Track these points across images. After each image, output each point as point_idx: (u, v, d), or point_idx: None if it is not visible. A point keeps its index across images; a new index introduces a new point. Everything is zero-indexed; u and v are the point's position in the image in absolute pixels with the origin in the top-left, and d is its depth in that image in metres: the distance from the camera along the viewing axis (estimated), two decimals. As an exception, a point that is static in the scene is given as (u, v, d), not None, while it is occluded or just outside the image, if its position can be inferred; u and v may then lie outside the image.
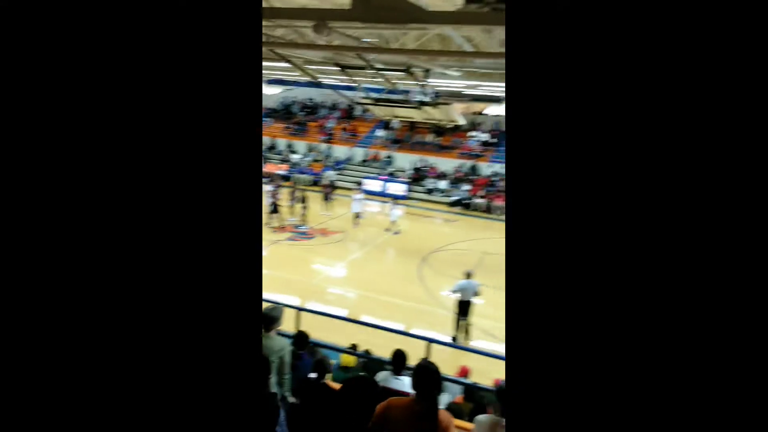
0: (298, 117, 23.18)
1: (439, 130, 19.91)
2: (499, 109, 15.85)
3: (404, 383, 3.32)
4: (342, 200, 15.65)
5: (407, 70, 6.31)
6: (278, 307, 3.13)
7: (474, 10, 3.38)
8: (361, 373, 2.98)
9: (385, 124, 20.91)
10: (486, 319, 7.82)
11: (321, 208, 15.04)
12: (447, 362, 5.13)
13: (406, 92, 9.37)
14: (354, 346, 5.92)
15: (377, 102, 8.18)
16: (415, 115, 8.32)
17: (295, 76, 16.02)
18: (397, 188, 18.34)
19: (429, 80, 7.34)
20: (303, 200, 13.81)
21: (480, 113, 19.95)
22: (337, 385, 2.65)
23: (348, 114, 22.61)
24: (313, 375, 2.98)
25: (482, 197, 17.78)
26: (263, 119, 22.97)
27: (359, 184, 18.08)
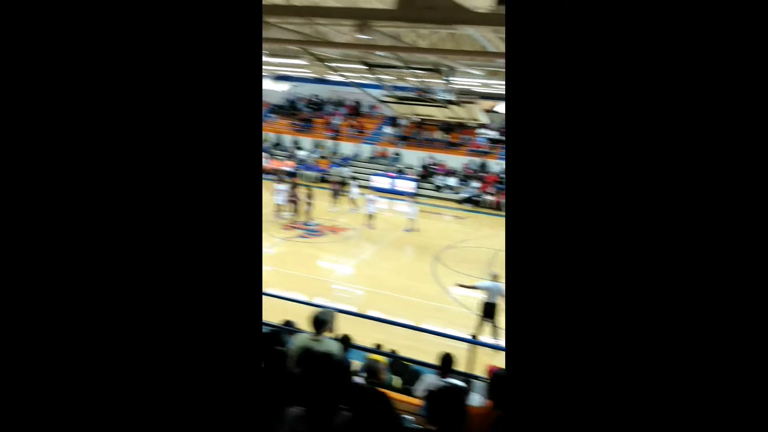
0: (304, 113, 23.11)
1: (447, 127, 19.86)
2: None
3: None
4: (349, 197, 15.61)
5: (435, 69, 6.27)
6: (328, 311, 3.10)
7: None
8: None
9: (393, 121, 20.85)
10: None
11: (329, 204, 15.00)
12: (471, 361, 5.09)
13: (428, 91, 9.32)
14: (378, 346, 5.88)
15: (402, 100, 8.13)
16: (438, 113, 8.28)
17: (302, 72, 15.97)
18: (406, 185, 18.30)
19: (452, 78, 7.30)
20: (309, 197, 13.78)
21: (490, 111, 19.90)
22: (391, 393, 2.62)
23: (355, 111, 22.51)
24: (359, 379, 2.95)
25: (492, 194, 17.74)
26: (268, 115, 22.90)
27: (368, 181, 18.04)
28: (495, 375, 2.44)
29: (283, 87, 20.61)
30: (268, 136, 22.08)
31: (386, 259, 11.76)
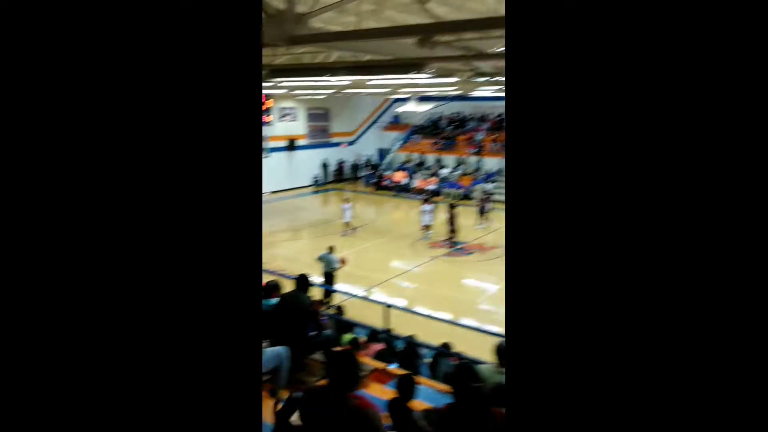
0: (446, 132, 23.21)
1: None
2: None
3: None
4: (497, 214, 15.08)
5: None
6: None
7: None
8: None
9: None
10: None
11: (475, 222, 14.67)
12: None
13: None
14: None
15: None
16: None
17: (443, 90, 16.08)
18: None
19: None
20: (454, 215, 13.60)
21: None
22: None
23: (498, 125, 21.97)
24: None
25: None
26: (412, 136, 23.47)
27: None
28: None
29: (425, 107, 20.97)
30: (412, 156, 22.61)
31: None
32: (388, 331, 6.21)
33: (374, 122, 24.82)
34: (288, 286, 4.48)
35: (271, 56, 8.46)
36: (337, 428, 2.12)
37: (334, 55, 7.92)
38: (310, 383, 3.53)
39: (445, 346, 5.69)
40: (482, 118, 22.65)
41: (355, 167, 23.65)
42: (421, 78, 7.85)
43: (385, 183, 21.32)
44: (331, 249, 9.19)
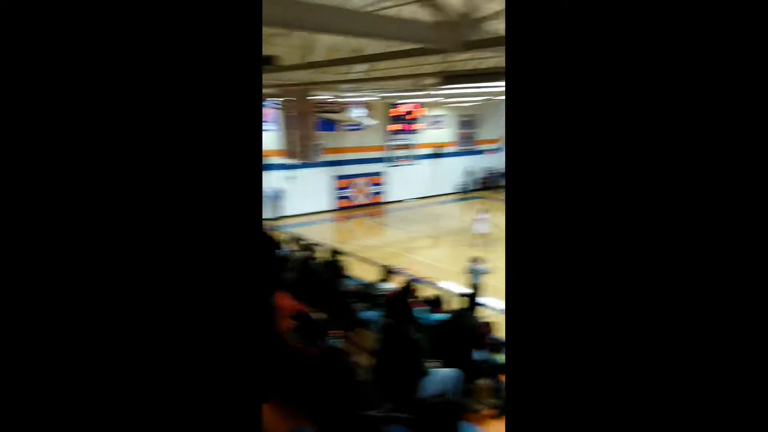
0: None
1: None
2: None
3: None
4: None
5: None
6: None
7: None
8: None
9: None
10: None
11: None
12: None
13: None
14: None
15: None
16: None
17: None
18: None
19: None
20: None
21: None
22: None
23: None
24: None
25: None
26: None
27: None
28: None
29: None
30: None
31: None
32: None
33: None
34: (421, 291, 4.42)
35: (441, 63, 8.53)
36: None
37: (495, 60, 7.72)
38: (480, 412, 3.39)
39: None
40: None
41: (501, 175, 23.02)
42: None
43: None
44: (475, 260, 8.96)
